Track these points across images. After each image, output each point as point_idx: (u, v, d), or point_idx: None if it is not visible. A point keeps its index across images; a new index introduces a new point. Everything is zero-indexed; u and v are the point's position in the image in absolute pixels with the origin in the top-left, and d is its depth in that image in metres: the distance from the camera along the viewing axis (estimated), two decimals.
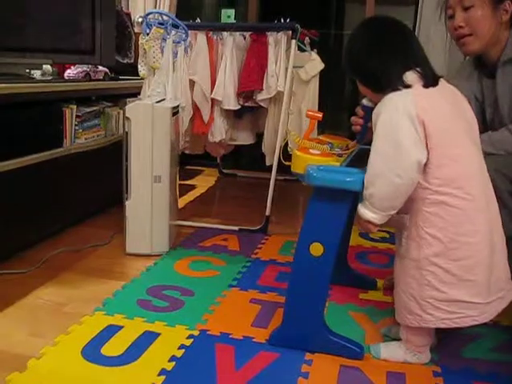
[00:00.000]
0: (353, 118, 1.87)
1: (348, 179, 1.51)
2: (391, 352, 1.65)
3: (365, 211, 1.52)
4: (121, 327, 1.75)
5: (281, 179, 3.47)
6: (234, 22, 3.22)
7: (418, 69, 1.52)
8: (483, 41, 1.82)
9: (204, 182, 3.98)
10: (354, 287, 2.14)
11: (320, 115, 1.83)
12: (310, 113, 1.84)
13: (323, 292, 1.65)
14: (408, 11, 4.01)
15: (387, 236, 2.83)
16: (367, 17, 1.66)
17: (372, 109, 1.67)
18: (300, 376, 1.53)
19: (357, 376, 1.55)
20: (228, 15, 3.30)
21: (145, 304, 1.92)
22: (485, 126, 1.91)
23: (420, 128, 1.43)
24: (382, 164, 1.46)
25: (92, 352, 1.59)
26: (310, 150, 1.70)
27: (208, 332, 1.75)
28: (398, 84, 1.50)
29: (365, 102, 1.78)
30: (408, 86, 1.49)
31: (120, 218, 2.43)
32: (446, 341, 1.69)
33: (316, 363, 1.60)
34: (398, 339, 1.67)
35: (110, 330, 1.72)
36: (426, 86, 1.51)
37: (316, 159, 1.63)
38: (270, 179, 2.85)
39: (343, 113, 4.28)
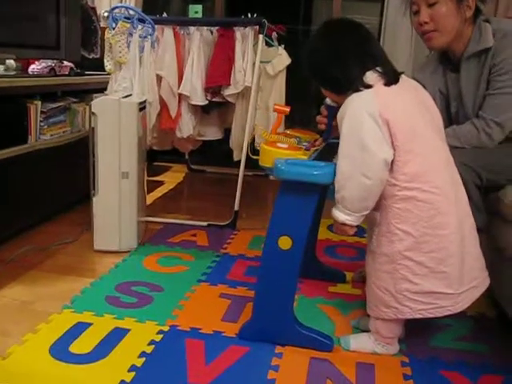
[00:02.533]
0: (318, 118, 1.90)
1: (315, 172, 1.52)
2: (361, 343, 1.67)
3: (339, 214, 1.54)
4: (90, 324, 1.73)
5: (249, 174, 3.46)
6: (201, 17, 3.19)
7: (377, 68, 1.53)
8: (448, 36, 1.85)
9: (172, 178, 3.95)
10: (322, 280, 2.16)
11: (287, 109, 1.84)
12: (277, 107, 1.85)
13: (292, 285, 1.66)
14: (374, 7, 4.05)
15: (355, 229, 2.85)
16: (324, 20, 1.68)
17: (335, 108, 1.69)
18: (270, 369, 1.54)
19: (327, 368, 1.57)
20: (195, 11, 3.26)
21: (114, 300, 1.91)
22: (449, 119, 1.94)
23: (384, 127, 1.45)
24: (350, 166, 1.48)
25: (61, 350, 1.58)
26: (278, 144, 1.70)
27: (178, 327, 1.74)
28: (359, 85, 1.52)
29: (328, 101, 1.81)
30: (369, 86, 1.51)
31: (87, 215, 2.41)
32: (413, 331, 1.72)
33: (286, 356, 1.61)
34: (368, 331, 1.69)
35: (79, 328, 1.71)
36: (387, 84, 1.53)
37: (284, 153, 1.64)
38: (238, 174, 2.85)
39: (310, 107, 4.30)
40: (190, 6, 3.15)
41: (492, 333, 1.84)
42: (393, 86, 1.54)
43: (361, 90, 1.51)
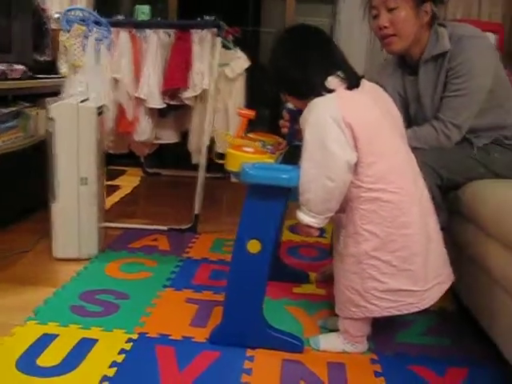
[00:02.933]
0: (280, 122, 1.93)
1: (284, 176, 1.53)
2: (330, 343, 1.69)
3: (304, 217, 1.56)
4: (56, 336, 1.69)
5: (206, 177, 3.43)
6: (158, 19, 3.15)
7: (339, 73, 1.56)
8: (407, 41, 1.90)
9: (128, 181, 3.90)
10: (287, 282, 2.17)
11: (252, 113, 1.84)
12: (242, 111, 1.85)
13: (262, 288, 1.67)
14: (327, 9, 4.10)
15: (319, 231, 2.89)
16: (285, 27, 1.71)
17: (297, 111, 1.71)
18: (243, 372, 1.54)
19: (299, 369, 1.59)
20: (143, 11, 3.22)
21: (79, 310, 1.87)
22: (408, 121, 1.99)
23: (347, 130, 1.47)
24: (314, 169, 1.50)
25: (27, 364, 1.53)
26: (244, 148, 1.70)
27: (147, 335, 1.72)
28: (321, 90, 1.55)
29: (289, 105, 1.83)
30: (331, 91, 1.55)
31: (44, 222, 2.35)
32: (379, 329, 1.75)
33: (258, 359, 1.62)
34: (336, 330, 1.72)
35: (45, 340, 1.66)
36: (349, 88, 1.56)
37: (250, 157, 1.64)
38: (194, 177, 2.85)
39: (265, 109, 4.31)
40: (137, 6, 3.11)
41: (454, 326, 1.90)
42: (354, 90, 1.57)
43: (323, 95, 1.54)
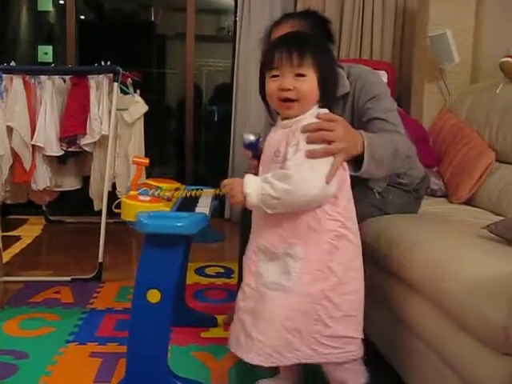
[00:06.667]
0: (249, 163, 1.79)
1: (179, 224, 1.53)
2: None
3: (256, 188, 1.39)
4: None
5: (111, 222, 3.32)
6: (52, 63, 3.10)
7: None
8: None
9: (29, 231, 3.74)
10: (194, 327, 2.16)
11: (147, 161, 1.84)
12: (136, 159, 1.84)
13: (164, 338, 1.65)
14: (227, 48, 4.21)
15: (222, 271, 2.92)
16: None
17: (254, 142, 1.70)
18: None
19: None
20: (45, 52, 3.17)
21: None
22: None
23: None
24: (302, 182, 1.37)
25: None
26: (140, 197, 1.69)
27: None
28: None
29: (245, 136, 1.74)
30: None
31: None
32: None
33: None
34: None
35: None
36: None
37: (145, 206, 1.63)
38: (99, 223, 2.79)
39: (172, 147, 4.32)
40: (39, 46, 3.06)
41: (369, 373, 1.81)
42: None
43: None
